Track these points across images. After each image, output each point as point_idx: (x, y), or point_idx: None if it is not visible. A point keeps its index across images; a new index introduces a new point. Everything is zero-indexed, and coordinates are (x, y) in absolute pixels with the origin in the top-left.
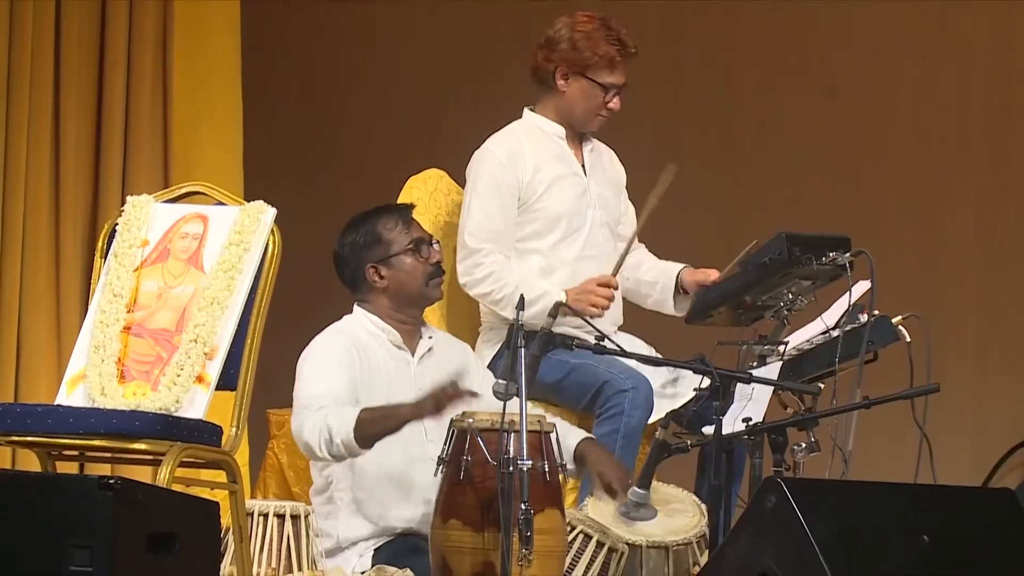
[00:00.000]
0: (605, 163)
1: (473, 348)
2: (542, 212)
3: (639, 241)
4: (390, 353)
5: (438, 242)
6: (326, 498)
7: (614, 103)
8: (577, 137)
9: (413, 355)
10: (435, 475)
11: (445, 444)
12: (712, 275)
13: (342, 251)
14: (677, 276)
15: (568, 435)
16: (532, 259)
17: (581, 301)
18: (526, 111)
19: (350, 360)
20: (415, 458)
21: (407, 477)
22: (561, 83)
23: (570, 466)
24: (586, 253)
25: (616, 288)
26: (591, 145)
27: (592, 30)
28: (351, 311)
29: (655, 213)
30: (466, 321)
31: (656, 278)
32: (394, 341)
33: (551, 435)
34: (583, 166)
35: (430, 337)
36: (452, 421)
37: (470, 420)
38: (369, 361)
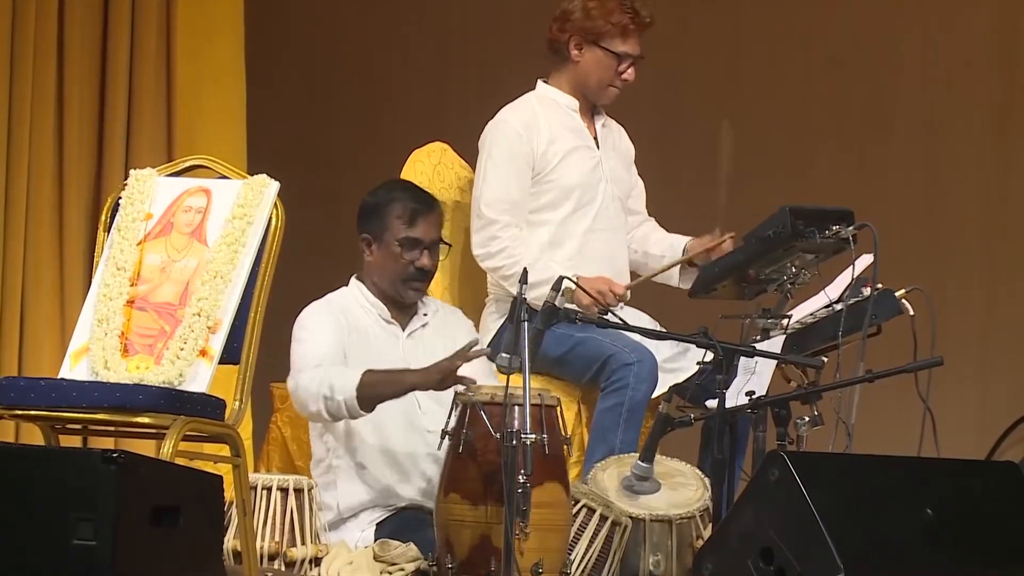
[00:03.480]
0: (615, 138)
1: (478, 320)
2: (555, 183)
3: (648, 215)
4: (379, 325)
5: (446, 247)
6: (325, 467)
7: (628, 74)
8: (589, 111)
9: (404, 329)
10: (438, 448)
11: (448, 417)
12: (714, 239)
13: (363, 203)
14: (684, 249)
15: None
16: (541, 231)
17: (590, 290)
18: (540, 83)
19: (338, 325)
20: (410, 428)
21: (403, 447)
22: (575, 53)
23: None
24: (596, 226)
25: (625, 301)
26: (603, 120)
27: None
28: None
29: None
30: (470, 293)
31: (663, 252)
32: (383, 316)
33: (554, 409)
34: (595, 139)
35: (425, 314)
36: (456, 395)
37: (472, 393)
38: (357, 331)
